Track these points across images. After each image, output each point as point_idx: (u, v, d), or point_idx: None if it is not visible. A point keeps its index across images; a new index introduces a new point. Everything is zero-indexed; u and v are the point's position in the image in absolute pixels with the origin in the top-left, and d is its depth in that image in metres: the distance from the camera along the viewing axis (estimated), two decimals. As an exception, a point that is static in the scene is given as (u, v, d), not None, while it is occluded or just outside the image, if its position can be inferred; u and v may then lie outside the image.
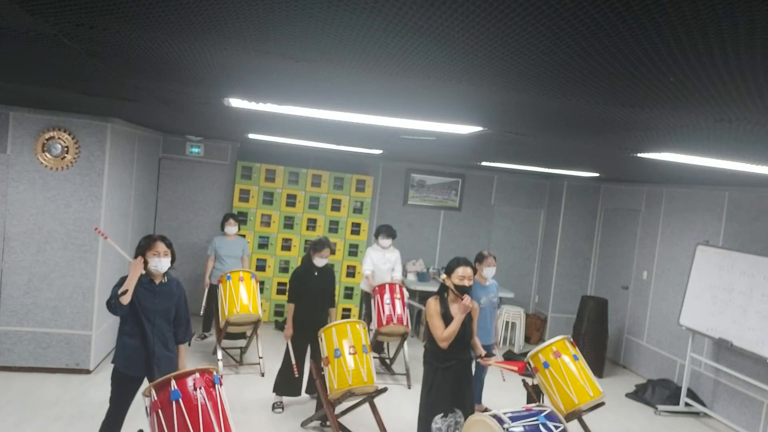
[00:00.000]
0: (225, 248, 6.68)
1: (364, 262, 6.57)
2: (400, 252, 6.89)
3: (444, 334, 3.83)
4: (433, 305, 3.95)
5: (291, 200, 7.93)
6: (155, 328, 3.60)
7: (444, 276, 3.98)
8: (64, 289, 5.39)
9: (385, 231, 6.53)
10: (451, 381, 3.80)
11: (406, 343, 6.22)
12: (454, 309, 3.90)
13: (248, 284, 5.87)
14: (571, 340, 4.57)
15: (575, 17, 1.19)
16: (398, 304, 6.02)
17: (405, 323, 5.99)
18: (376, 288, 6.13)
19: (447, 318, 3.88)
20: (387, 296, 6.02)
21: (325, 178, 8.02)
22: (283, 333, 5.09)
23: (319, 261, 5.08)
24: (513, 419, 3.08)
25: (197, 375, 3.08)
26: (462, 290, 3.86)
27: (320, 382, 4.52)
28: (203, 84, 2.74)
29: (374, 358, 5.83)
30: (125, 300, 3.43)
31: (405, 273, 7.99)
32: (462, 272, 3.87)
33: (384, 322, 5.92)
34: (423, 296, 8.24)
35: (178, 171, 7.89)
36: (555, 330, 8.16)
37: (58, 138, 5.27)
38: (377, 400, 4.58)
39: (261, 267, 7.85)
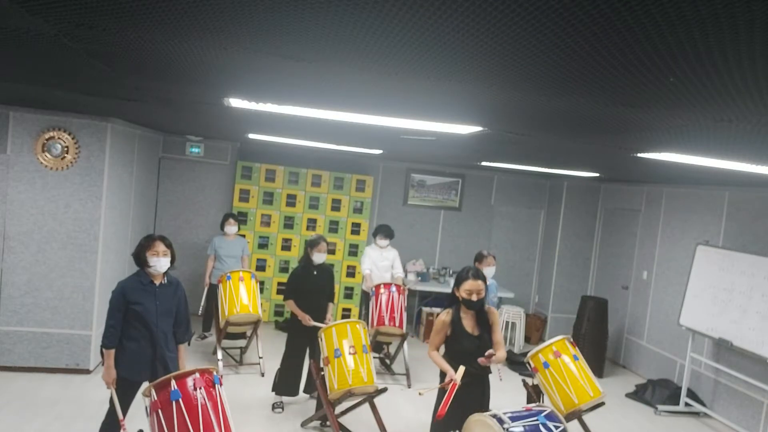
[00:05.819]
0: (225, 248, 6.69)
1: (363, 262, 6.60)
2: (400, 252, 6.92)
3: (432, 354, 3.66)
4: (441, 319, 3.67)
5: (291, 200, 7.93)
6: (159, 330, 3.60)
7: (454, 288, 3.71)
8: (64, 289, 5.39)
9: (383, 231, 6.62)
10: (465, 398, 3.47)
11: (406, 343, 6.21)
12: (466, 322, 3.64)
13: (248, 284, 5.87)
14: (571, 340, 4.57)
15: (575, 17, 1.19)
16: (396, 304, 6.01)
17: (399, 324, 5.97)
18: (374, 287, 6.14)
19: (458, 329, 3.61)
20: (384, 297, 6.02)
21: (325, 178, 8.01)
22: (303, 323, 4.95)
23: (318, 257, 5.08)
24: (513, 419, 3.08)
25: (197, 375, 3.08)
26: (469, 305, 3.56)
27: (320, 382, 4.52)
28: (203, 84, 2.74)
29: (374, 358, 5.82)
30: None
31: (405, 272, 7.99)
32: (470, 286, 3.53)
33: (376, 323, 5.91)
34: (423, 296, 8.28)
35: (178, 171, 7.89)
36: (555, 330, 8.16)
37: (58, 138, 5.27)
38: (377, 400, 4.58)
39: (261, 267, 7.85)
